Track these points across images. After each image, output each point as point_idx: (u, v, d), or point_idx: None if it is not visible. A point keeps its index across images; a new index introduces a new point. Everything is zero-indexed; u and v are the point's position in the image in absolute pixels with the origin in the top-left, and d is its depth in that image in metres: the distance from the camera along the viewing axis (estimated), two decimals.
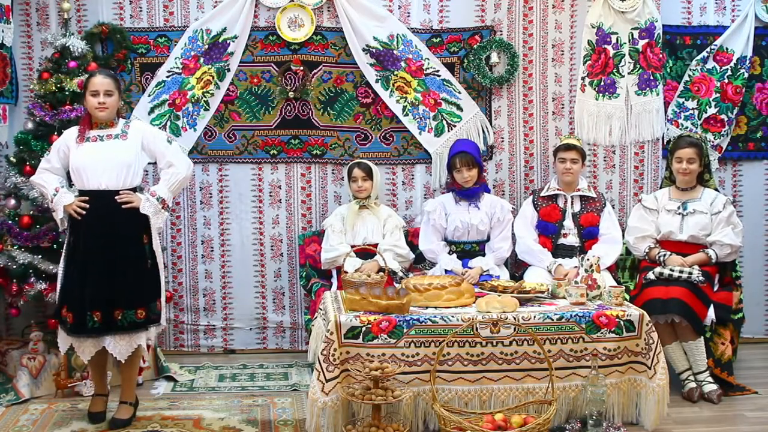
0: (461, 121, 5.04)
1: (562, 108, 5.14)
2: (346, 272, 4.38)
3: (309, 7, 4.91)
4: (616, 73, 5.08)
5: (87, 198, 3.70)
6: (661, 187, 4.74)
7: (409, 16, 5.02)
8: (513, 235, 4.71)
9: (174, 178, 3.85)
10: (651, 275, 4.31)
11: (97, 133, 3.77)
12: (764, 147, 5.26)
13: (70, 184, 3.89)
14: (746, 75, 5.11)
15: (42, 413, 3.96)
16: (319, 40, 4.97)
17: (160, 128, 4.89)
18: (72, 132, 3.82)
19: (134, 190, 3.78)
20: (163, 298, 3.88)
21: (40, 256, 4.22)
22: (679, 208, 4.48)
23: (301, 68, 4.93)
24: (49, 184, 3.78)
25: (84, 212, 3.69)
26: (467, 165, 4.61)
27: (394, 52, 4.95)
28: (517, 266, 4.85)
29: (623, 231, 4.67)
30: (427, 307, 3.78)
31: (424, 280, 3.94)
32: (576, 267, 4.23)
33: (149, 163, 3.96)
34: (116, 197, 3.70)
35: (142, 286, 3.75)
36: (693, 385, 4.16)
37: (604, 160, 5.15)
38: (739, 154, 5.25)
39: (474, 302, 3.85)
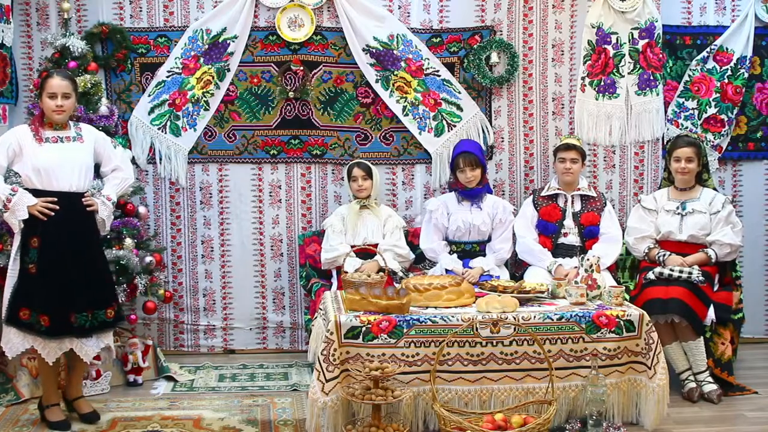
0: (461, 121, 5.04)
1: (562, 108, 5.14)
2: (346, 272, 4.38)
3: (309, 7, 4.91)
4: (616, 73, 5.08)
5: (55, 199, 3.64)
6: (659, 188, 4.74)
7: (409, 16, 5.02)
8: (514, 235, 4.71)
9: (123, 183, 3.94)
10: (651, 275, 4.31)
11: (54, 134, 3.72)
12: (764, 147, 5.26)
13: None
14: (746, 75, 5.11)
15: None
16: (319, 40, 4.97)
17: (159, 128, 4.92)
18: (23, 131, 3.72)
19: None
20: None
21: None
22: (678, 208, 4.48)
23: (301, 68, 4.93)
24: (0, 185, 3.62)
25: (52, 213, 3.62)
26: (471, 165, 4.61)
27: (394, 52, 4.95)
28: (517, 266, 4.85)
29: (623, 231, 4.67)
30: (427, 307, 3.78)
31: (424, 280, 3.94)
32: (576, 267, 4.23)
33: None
34: (82, 199, 3.74)
35: (107, 285, 3.84)
36: (693, 385, 4.16)
37: (604, 160, 5.15)
38: (739, 154, 5.25)
39: (474, 302, 3.85)
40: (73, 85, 3.78)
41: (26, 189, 3.66)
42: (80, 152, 3.75)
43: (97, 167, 3.92)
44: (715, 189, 4.61)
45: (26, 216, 3.61)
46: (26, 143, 3.66)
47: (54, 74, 3.75)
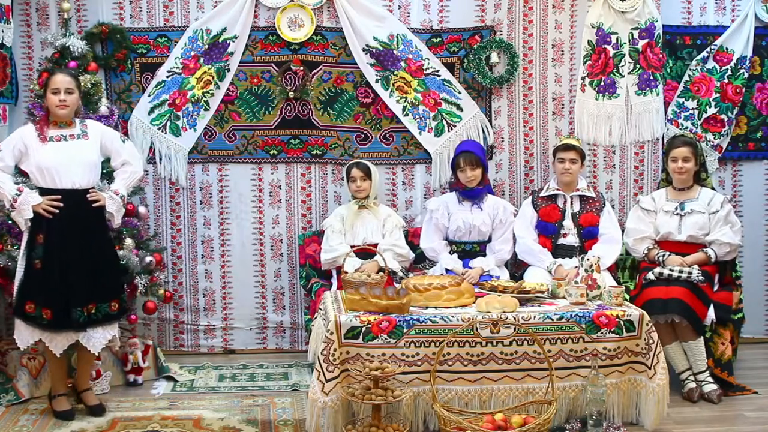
0: (461, 121, 5.04)
1: (562, 108, 5.14)
2: (346, 272, 4.38)
3: (309, 7, 4.91)
4: (616, 73, 5.08)
5: (59, 196, 3.76)
6: (658, 188, 4.74)
7: (409, 16, 5.02)
8: (514, 236, 4.71)
9: (132, 177, 4.01)
10: (651, 275, 4.31)
11: (58, 132, 3.83)
12: (764, 147, 5.26)
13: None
14: (746, 75, 5.11)
15: (42, 413, 3.96)
16: (319, 40, 4.97)
17: (159, 128, 4.92)
18: (28, 130, 3.84)
19: (93, 188, 3.91)
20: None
21: None
22: (676, 208, 4.48)
23: (301, 68, 4.93)
24: (6, 184, 3.77)
25: (57, 211, 3.74)
26: (471, 164, 4.61)
27: (394, 52, 4.95)
28: (517, 266, 4.85)
29: (623, 231, 4.67)
30: (427, 307, 3.78)
31: (424, 280, 3.94)
32: (576, 267, 4.23)
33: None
34: (87, 196, 3.82)
35: (113, 279, 3.93)
36: (693, 385, 4.17)
37: (604, 160, 5.15)
38: (739, 154, 5.25)
39: (474, 302, 3.85)
40: (76, 81, 3.90)
41: (33, 187, 3.80)
42: (84, 149, 3.85)
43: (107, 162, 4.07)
44: (713, 188, 4.61)
45: (31, 215, 3.75)
46: (31, 143, 3.79)
47: (57, 71, 3.91)
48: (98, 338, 3.86)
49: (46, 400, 4.14)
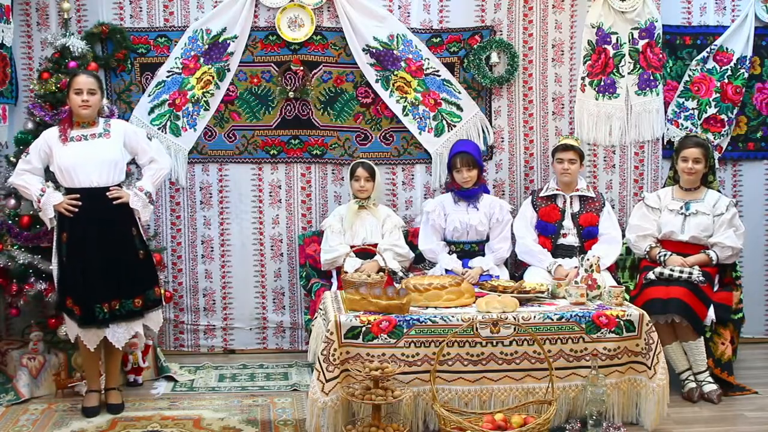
0: (461, 121, 5.04)
1: (562, 108, 5.14)
2: (346, 272, 4.38)
3: (309, 7, 4.91)
4: (616, 73, 5.08)
5: (78, 195, 3.85)
6: (664, 186, 4.74)
7: (409, 16, 5.02)
8: (512, 235, 4.71)
9: (158, 174, 4.09)
10: (651, 275, 4.31)
11: (80, 132, 3.92)
12: (764, 147, 5.26)
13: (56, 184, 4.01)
14: (746, 75, 5.11)
15: (42, 413, 3.97)
16: (319, 40, 4.97)
17: (159, 128, 4.91)
18: (53, 132, 3.94)
19: (119, 185, 3.97)
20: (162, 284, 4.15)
21: (40, 256, 4.23)
22: (681, 208, 4.48)
23: (301, 68, 4.93)
24: (33, 185, 3.90)
25: (76, 210, 3.83)
26: (467, 165, 4.61)
27: (394, 52, 4.95)
28: (517, 266, 4.85)
29: (623, 229, 4.67)
30: (427, 307, 3.78)
31: (424, 280, 3.94)
32: (576, 267, 4.23)
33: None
34: (107, 193, 3.88)
35: (137, 275, 3.96)
36: (693, 385, 4.17)
37: (604, 160, 5.15)
38: (739, 154, 5.25)
39: (474, 302, 3.85)
40: (99, 82, 3.99)
41: (60, 187, 3.91)
42: (105, 148, 3.92)
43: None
44: (719, 191, 4.60)
45: (53, 214, 3.87)
46: (54, 144, 3.90)
47: (80, 72, 4.01)
48: (122, 333, 3.93)
49: (46, 400, 4.16)
